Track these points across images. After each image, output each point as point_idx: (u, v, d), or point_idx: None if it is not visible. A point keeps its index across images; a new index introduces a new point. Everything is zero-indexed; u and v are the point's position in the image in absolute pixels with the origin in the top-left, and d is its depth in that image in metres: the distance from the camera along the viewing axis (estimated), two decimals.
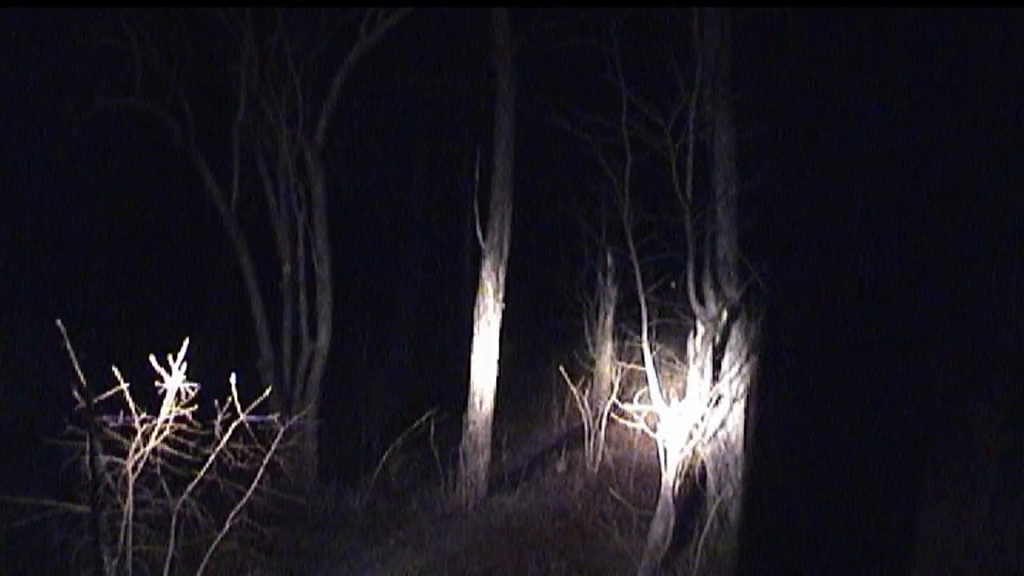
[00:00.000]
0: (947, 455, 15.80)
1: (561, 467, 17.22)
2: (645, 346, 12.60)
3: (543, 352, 21.98)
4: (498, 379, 15.89)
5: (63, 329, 8.31)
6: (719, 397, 13.27)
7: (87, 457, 8.69)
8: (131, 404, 8.97)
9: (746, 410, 13.46)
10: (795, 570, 3.36)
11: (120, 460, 9.11)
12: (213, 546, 9.93)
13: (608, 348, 21.58)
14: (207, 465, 9.54)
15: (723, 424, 13.44)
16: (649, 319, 12.81)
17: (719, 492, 13.33)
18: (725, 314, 13.41)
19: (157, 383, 9.04)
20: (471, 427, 15.72)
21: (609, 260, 21.31)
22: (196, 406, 9.19)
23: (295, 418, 9.79)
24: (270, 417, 9.84)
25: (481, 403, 15.67)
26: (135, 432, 9.08)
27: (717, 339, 13.43)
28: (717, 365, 13.44)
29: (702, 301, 13.33)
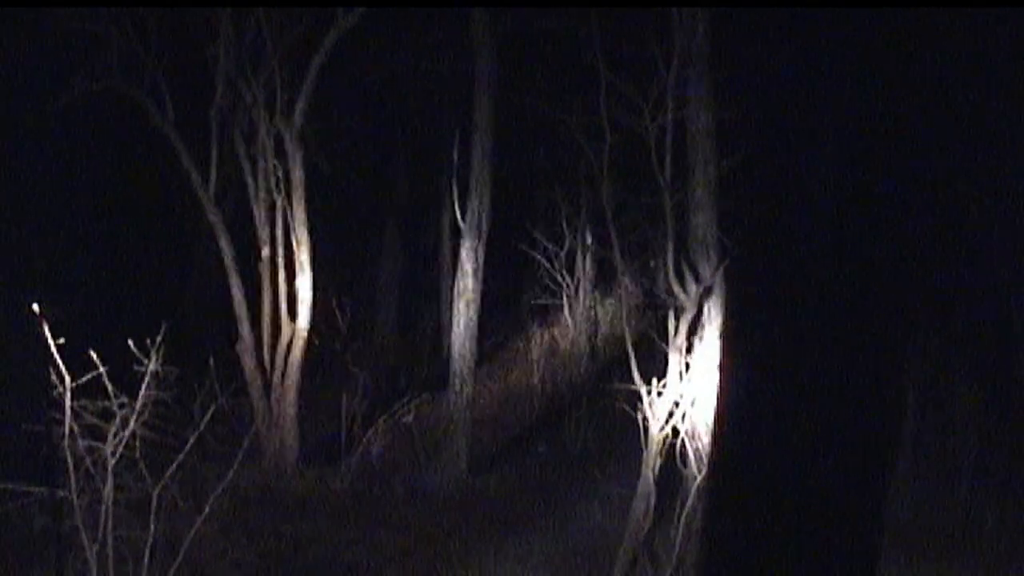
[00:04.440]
0: (926, 434, 15.87)
1: (541, 447, 17.24)
2: (624, 325, 12.63)
3: (523, 332, 21.97)
4: (478, 359, 15.89)
5: (40, 313, 8.29)
6: (698, 374, 13.29)
7: (64, 442, 8.69)
8: (110, 388, 8.97)
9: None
10: (762, 547, 3.34)
11: (99, 444, 9.11)
12: (193, 530, 9.93)
13: (587, 327, 21.60)
14: (187, 449, 9.54)
15: (702, 401, 13.46)
16: (628, 298, 12.84)
17: (699, 470, 13.36)
18: (704, 292, 13.43)
19: (136, 366, 9.03)
20: (451, 408, 15.72)
21: (588, 240, 21.33)
22: (175, 389, 9.20)
23: (275, 400, 9.77)
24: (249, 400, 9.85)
25: (462, 385, 15.67)
26: (114, 416, 9.08)
27: (696, 317, 13.45)
28: (696, 343, 13.45)
29: (681, 280, 13.35)
